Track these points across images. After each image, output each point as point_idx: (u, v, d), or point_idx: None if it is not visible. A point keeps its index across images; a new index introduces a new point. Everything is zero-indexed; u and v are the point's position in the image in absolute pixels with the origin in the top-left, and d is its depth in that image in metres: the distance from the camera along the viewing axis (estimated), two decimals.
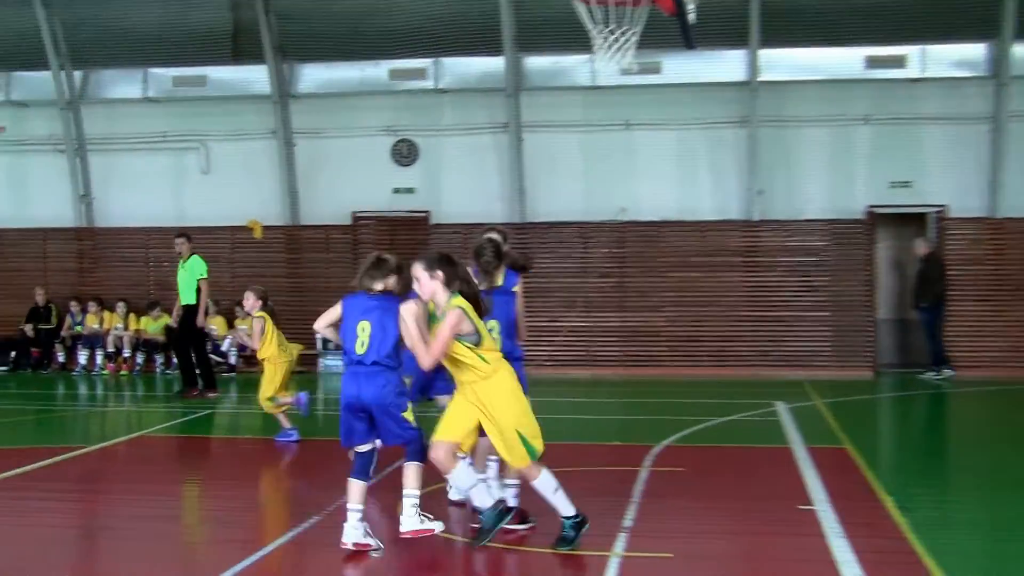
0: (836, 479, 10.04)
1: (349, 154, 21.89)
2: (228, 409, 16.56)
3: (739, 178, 20.99)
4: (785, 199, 20.89)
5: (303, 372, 19.90)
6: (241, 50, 21.89)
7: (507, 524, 7.87)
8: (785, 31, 20.28)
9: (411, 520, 7.64)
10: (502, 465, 8.20)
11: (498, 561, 7.66)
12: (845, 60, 20.65)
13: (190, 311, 17.19)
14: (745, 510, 9.03)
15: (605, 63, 14.02)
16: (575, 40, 15.80)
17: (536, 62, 21.31)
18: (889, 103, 20.70)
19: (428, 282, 7.41)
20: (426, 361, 7.35)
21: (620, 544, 7.77)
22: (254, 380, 14.02)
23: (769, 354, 20.68)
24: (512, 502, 8.13)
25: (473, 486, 7.78)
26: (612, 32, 13.62)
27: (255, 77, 21.94)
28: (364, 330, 7.59)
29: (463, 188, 21.57)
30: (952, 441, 14.32)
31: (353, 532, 7.60)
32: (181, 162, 22.50)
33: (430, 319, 7.46)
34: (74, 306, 22.07)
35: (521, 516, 8.12)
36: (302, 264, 22.15)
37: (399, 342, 7.59)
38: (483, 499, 7.79)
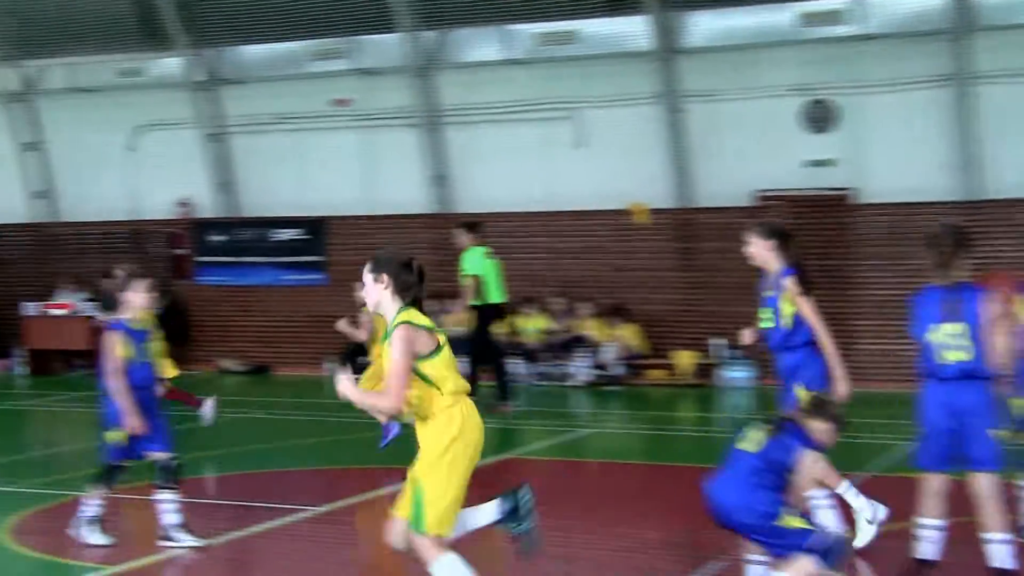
0: None
1: (749, 120, 19.15)
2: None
3: None
4: None
5: (696, 386, 18.29)
6: None
7: None
8: None
9: None
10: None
11: None
12: None
13: (487, 311, 15.52)
14: None
15: None
16: None
17: None
18: None
19: (372, 288, 6.23)
20: (392, 403, 6.07)
21: None
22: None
23: None
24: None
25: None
26: None
27: (634, 30, 19.36)
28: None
29: (895, 158, 18.46)
30: None
31: None
32: (549, 134, 20.00)
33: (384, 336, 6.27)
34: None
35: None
36: (695, 255, 19.42)
37: None
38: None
